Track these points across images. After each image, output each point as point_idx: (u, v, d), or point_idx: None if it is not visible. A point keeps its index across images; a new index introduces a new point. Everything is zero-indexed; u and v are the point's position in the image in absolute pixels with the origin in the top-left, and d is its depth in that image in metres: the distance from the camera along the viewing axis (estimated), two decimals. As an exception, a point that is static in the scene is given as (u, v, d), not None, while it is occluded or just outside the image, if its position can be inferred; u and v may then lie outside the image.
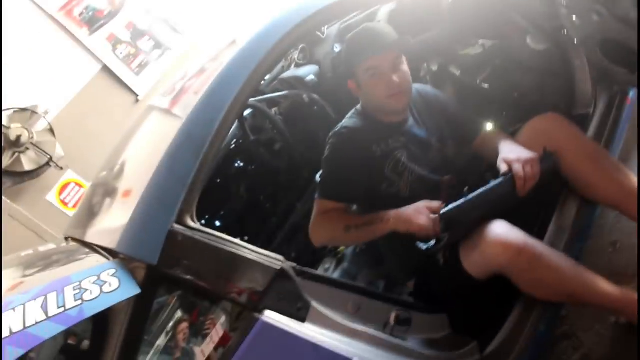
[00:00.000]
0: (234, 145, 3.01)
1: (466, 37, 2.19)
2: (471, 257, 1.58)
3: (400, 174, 1.79)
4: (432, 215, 1.56)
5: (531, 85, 2.26)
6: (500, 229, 1.52)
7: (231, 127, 1.62)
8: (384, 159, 1.79)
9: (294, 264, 1.44)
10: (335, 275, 2.33)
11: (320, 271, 2.46)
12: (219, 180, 3.01)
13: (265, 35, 1.58)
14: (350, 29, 2.41)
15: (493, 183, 1.60)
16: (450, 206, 1.55)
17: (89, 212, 1.89)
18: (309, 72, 2.67)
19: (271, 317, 1.32)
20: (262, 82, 2.90)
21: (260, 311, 1.33)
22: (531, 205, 1.66)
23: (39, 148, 3.68)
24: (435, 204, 1.59)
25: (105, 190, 1.92)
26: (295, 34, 1.59)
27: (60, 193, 3.91)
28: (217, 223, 3.05)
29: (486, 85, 2.32)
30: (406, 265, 1.88)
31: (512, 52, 2.22)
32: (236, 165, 3.08)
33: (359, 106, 1.92)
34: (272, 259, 1.38)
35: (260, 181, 3.07)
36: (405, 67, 1.77)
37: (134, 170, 1.83)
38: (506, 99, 2.35)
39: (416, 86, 1.95)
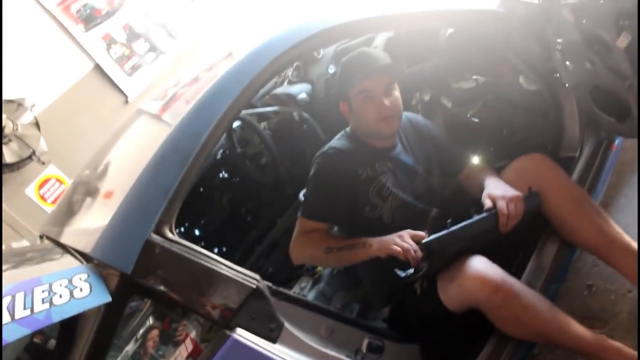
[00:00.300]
0: (220, 156, 3.01)
1: (460, 71, 2.21)
2: (448, 290, 1.58)
3: (384, 199, 1.79)
4: (414, 244, 1.56)
5: (520, 124, 2.29)
6: (480, 264, 1.53)
7: (218, 141, 1.60)
8: (369, 182, 1.80)
9: (270, 284, 1.42)
10: (311, 295, 2.32)
11: (296, 289, 2.44)
12: (202, 189, 3.00)
13: (261, 52, 1.58)
14: (346, 52, 2.42)
15: (476, 217, 1.60)
16: (433, 236, 1.55)
17: (67, 211, 1.86)
18: (301, 90, 2.68)
19: (242, 335, 1.30)
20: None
21: (232, 328, 1.30)
22: (511, 242, 1.67)
23: (22, 141, 3.63)
24: (420, 233, 1.59)
25: (86, 190, 1.90)
26: (292, 54, 1.60)
27: (40, 188, 3.85)
28: (197, 232, 3.02)
29: (476, 120, 2.34)
30: (382, 292, 1.87)
31: (504, 89, 2.25)
32: (221, 175, 3.07)
33: (348, 128, 1.92)
34: (248, 277, 1.36)
35: (244, 194, 3.06)
36: (397, 93, 1.79)
37: (117, 173, 1.81)
38: (495, 134, 2.38)
39: (407, 114, 1.96)
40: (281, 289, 1.45)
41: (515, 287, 1.52)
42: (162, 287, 1.33)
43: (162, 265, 1.34)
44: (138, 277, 1.32)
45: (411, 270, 1.56)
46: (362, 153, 1.83)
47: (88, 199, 1.80)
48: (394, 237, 1.60)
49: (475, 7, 1.90)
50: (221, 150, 3.00)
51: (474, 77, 2.20)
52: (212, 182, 3.02)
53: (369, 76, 1.73)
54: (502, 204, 1.59)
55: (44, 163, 3.79)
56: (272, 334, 1.34)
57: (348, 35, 1.98)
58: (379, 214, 1.80)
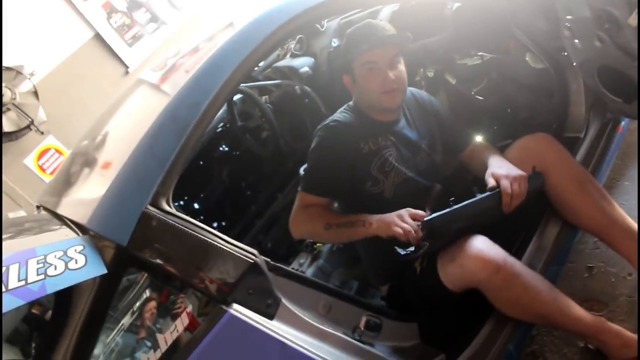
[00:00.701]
0: (220, 129, 2.98)
1: (466, 46, 2.17)
2: (448, 269, 1.56)
3: (386, 174, 1.76)
4: (415, 223, 1.54)
5: (525, 103, 2.25)
6: (481, 244, 1.51)
7: (218, 112, 1.57)
8: (371, 156, 1.77)
9: (268, 259, 1.40)
10: (310, 271, 2.31)
11: (295, 265, 2.43)
12: (201, 162, 2.97)
13: (263, 22, 1.54)
14: (350, 24, 2.37)
15: (479, 196, 1.58)
16: (434, 215, 1.52)
17: (65, 182, 1.84)
18: (304, 64, 2.64)
19: (239, 310, 1.28)
20: (256, 68, 2.86)
21: (229, 304, 1.29)
22: (513, 222, 1.64)
23: (20, 110, 3.60)
24: (420, 212, 1.56)
25: (84, 160, 1.87)
26: (295, 24, 1.55)
27: (39, 158, 3.83)
28: (196, 206, 3.00)
29: (480, 97, 2.30)
30: (382, 270, 1.86)
31: (509, 67, 2.21)
32: (221, 149, 3.04)
33: (351, 102, 1.89)
34: (246, 252, 1.34)
35: (244, 168, 3.04)
36: (402, 66, 1.75)
37: (115, 144, 1.78)
38: (499, 113, 2.34)
39: (411, 89, 1.93)
40: (279, 265, 1.43)
41: (516, 267, 1.50)
42: (158, 260, 1.32)
43: (158, 238, 1.32)
44: (134, 249, 1.30)
45: (411, 249, 1.55)
46: (364, 126, 1.80)
47: (86, 170, 1.77)
48: (393, 218, 1.57)
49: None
50: (221, 124, 2.97)
51: (479, 53, 2.15)
52: (211, 156, 3.00)
53: (374, 47, 1.70)
54: (505, 183, 1.56)
55: (42, 133, 3.77)
56: (269, 310, 1.33)
57: (353, 6, 1.93)
58: (380, 189, 1.77)
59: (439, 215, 1.52)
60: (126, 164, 1.37)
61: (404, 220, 1.55)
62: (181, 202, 2.94)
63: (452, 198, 1.64)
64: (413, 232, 1.52)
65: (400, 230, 1.53)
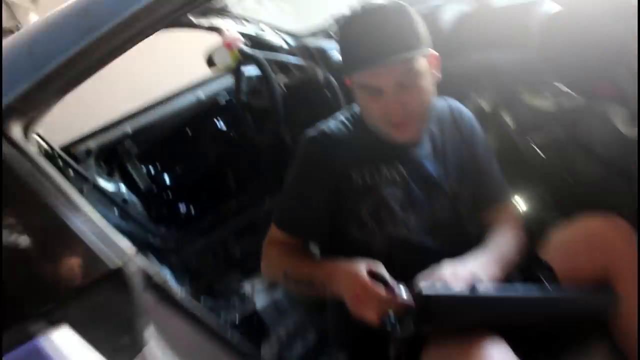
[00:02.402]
0: (223, 102, 2.50)
1: (545, 75, 1.59)
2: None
3: (380, 222, 1.23)
4: (402, 291, 1.00)
5: (593, 178, 1.69)
6: (498, 356, 0.95)
7: (157, 28, 1.02)
8: (364, 193, 1.24)
9: (151, 272, 0.87)
10: (260, 301, 1.80)
11: (247, 287, 1.93)
12: (189, 131, 2.49)
13: None
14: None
15: (528, 289, 1.04)
16: (441, 290, 0.98)
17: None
18: (336, 47, 2.12)
19: (56, 341, 0.75)
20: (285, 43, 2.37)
21: (53, 323, 0.76)
22: (546, 333, 1.09)
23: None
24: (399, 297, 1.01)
25: None
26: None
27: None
28: (166, 179, 2.50)
29: (540, 153, 1.74)
30: (346, 333, 1.33)
31: (586, 124, 1.63)
32: (217, 124, 2.55)
33: (355, 107, 1.34)
34: (114, 248, 0.81)
35: (236, 154, 2.55)
36: (422, 82, 1.17)
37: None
38: (555, 179, 1.78)
39: (450, 102, 1.39)
40: (170, 286, 0.90)
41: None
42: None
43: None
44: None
45: (393, 321, 0.99)
46: (364, 147, 1.27)
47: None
48: (360, 289, 1.04)
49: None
50: (226, 97, 2.49)
51: (561, 87, 1.56)
52: (203, 128, 2.52)
53: (373, 65, 1.12)
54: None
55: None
56: (119, 356, 0.80)
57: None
58: (368, 239, 1.25)
59: (449, 294, 0.97)
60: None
61: (371, 304, 1.01)
62: (150, 168, 2.44)
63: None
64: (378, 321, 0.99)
65: (374, 318, 1.01)
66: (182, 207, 2.50)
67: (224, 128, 2.54)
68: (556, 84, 1.52)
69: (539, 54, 1.50)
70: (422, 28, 1.17)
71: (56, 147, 2.09)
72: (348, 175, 1.24)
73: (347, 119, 1.33)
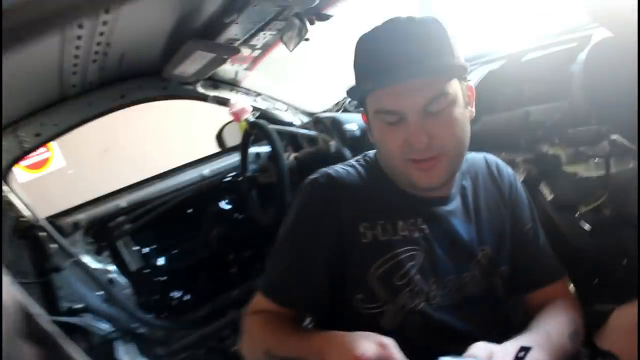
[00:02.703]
0: (229, 179, 2.32)
1: (587, 121, 1.32)
2: None
3: (396, 291, 0.96)
4: None
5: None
6: None
7: None
8: (375, 252, 0.97)
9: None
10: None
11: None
12: (189, 211, 2.29)
13: None
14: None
15: None
16: None
17: None
18: (352, 120, 1.94)
19: None
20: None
21: None
22: None
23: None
24: None
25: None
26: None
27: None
28: (160, 261, 2.27)
29: (587, 227, 1.47)
30: None
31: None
32: (221, 204, 2.36)
33: (371, 152, 1.11)
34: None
35: (240, 237, 2.32)
36: (456, 111, 0.91)
37: None
38: (607, 262, 1.50)
39: (487, 155, 1.15)
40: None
41: None
42: None
43: None
44: None
45: None
46: (378, 195, 1.01)
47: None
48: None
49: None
50: (233, 173, 2.32)
51: (609, 135, 1.28)
52: (205, 207, 2.32)
53: (391, 83, 0.89)
54: None
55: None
56: None
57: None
58: (377, 310, 0.97)
59: None
60: None
61: None
62: (144, 247, 2.22)
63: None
64: None
65: None
66: (176, 294, 2.24)
67: (228, 208, 2.34)
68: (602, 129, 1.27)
69: (579, 103, 1.27)
70: (459, 47, 0.95)
71: (40, 217, 1.92)
72: (356, 228, 0.98)
73: (359, 163, 1.08)
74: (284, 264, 1.01)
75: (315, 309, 1.02)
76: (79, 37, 1.26)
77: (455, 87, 0.91)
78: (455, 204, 1.04)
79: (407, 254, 0.97)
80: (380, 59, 0.89)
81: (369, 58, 0.92)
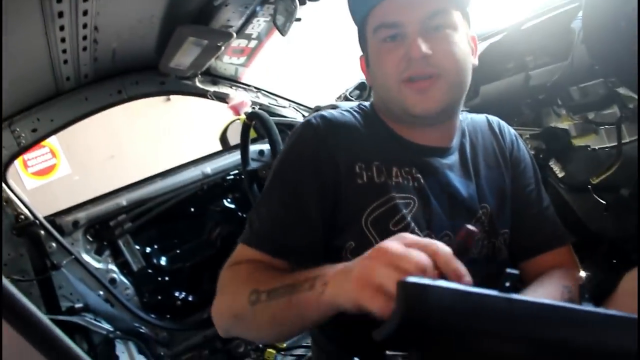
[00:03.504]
0: (232, 177, 2.29)
1: (591, 76, 1.25)
2: None
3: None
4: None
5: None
6: None
7: None
8: (369, 194, 0.90)
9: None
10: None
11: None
12: (192, 209, 2.26)
13: None
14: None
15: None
16: (423, 280, 0.55)
17: None
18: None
19: None
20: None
21: None
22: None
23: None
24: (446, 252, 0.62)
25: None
26: None
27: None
28: (162, 261, 2.23)
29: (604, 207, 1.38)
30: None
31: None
32: (225, 202, 2.32)
33: (367, 102, 1.06)
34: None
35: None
36: (456, 35, 0.89)
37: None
38: (628, 241, 1.41)
39: (489, 116, 1.09)
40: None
41: None
42: None
43: None
44: None
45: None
46: (373, 140, 0.96)
47: None
48: (368, 267, 0.62)
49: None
50: (235, 171, 2.28)
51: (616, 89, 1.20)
52: (209, 206, 2.28)
53: None
54: None
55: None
56: None
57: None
58: None
59: (429, 284, 0.55)
60: None
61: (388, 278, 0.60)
62: (146, 246, 2.19)
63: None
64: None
65: (379, 307, 0.59)
66: (179, 294, 2.20)
67: (232, 206, 2.30)
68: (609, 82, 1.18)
69: (582, 52, 1.19)
70: None
71: (40, 215, 1.90)
72: (351, 168, 0.91)
73: (354, 110, 1.02)
74: (274, 209, 0.90)
75: (310, 260, 0.83)
76: (60, 14, 1.24)
77: (457, 17, 0.91)
78: (453, 159, 0.98)
79: (403, 201, 0.90)
80: None
81: None
